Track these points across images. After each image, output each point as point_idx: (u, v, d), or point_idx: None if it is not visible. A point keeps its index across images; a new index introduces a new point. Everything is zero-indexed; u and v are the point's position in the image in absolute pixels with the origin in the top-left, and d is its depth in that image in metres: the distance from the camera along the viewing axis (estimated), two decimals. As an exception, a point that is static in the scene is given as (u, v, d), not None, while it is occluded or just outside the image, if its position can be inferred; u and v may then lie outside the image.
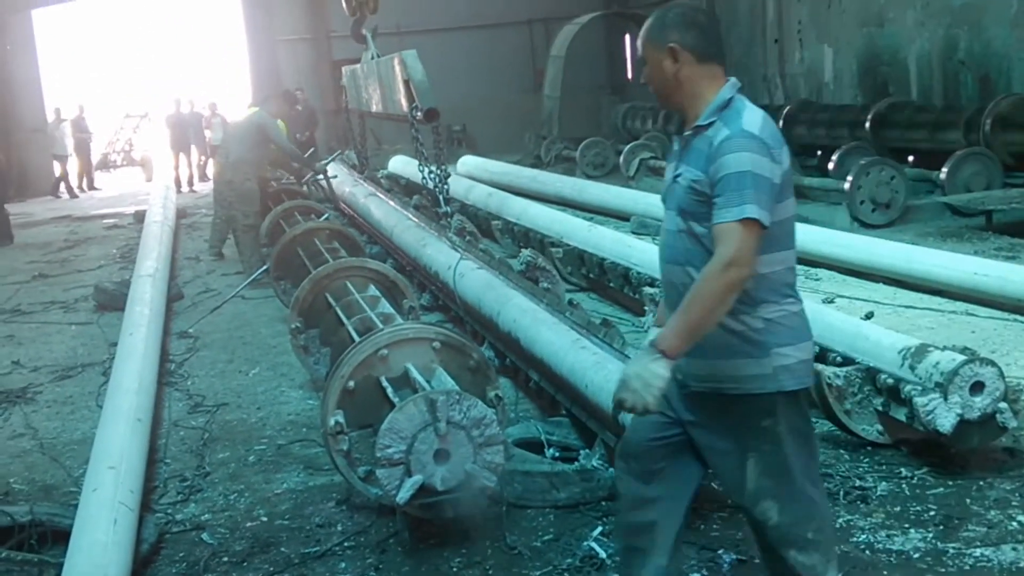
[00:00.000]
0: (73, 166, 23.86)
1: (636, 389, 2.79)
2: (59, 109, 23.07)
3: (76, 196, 21.77)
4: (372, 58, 11.59)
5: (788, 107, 16.94)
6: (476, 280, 7.00)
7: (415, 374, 4.55)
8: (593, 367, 4.88)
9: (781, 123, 16.44)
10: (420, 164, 8.74)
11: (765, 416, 2.96)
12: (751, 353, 2.93)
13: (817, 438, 3.28)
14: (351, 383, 4.62)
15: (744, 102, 2.94)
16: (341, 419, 4.53)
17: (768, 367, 2.93)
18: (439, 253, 8.03)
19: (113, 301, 9.71)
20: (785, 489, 2.99)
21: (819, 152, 15.84)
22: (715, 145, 2.85)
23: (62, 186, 22.43)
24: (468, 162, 18.14)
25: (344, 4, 12.92)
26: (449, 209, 8.44)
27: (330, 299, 6.50)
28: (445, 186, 8.35)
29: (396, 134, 18.35)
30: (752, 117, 2.90)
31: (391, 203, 10.88)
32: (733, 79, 2.99)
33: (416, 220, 9.52)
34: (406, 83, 9.10)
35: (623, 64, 26.64)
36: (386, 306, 6.15)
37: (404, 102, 9.27)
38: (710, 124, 2.91)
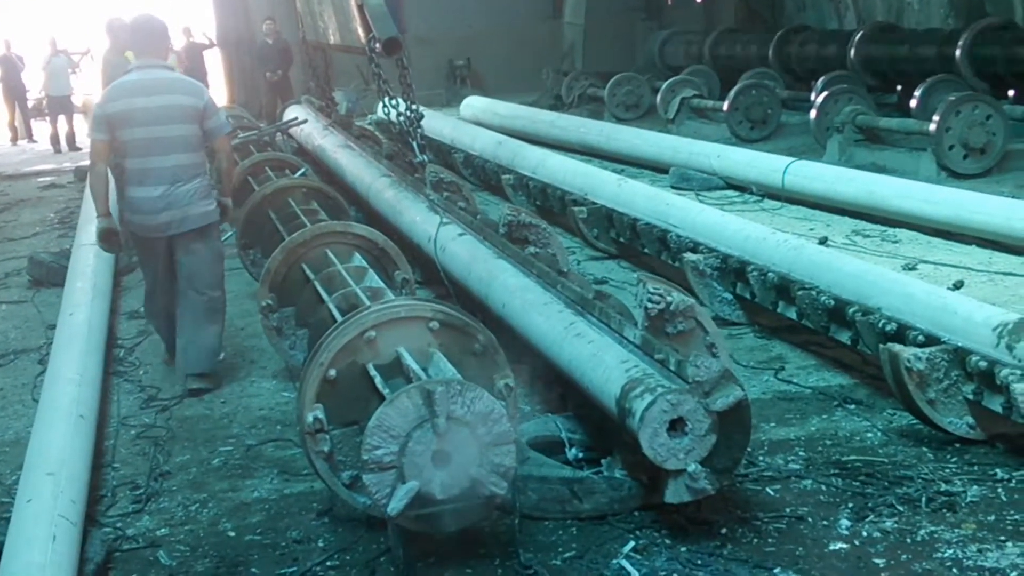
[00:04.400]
0: (3, 114, 24.00)
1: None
2: (55, 39, 22.91)
3: (60, 151, 21.72)
4: None
5: (861, 32, 16.81)
6: (460, 251, 7.03)
7: (409, 360, 4.56)
8: (590, 361, 4.89)
9: (852, 51, 16.37)
10: (384, 106, 8.75)
11: None
12: None
13: None
14: (332, 371, 4.63)
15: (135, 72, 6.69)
16: (321, 415, 4.54)
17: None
18: (418, 218, 8.03)
19: (50, 275, 9.75)
20: None
21: (899, 87, 15.75)
22: None
23: (57, 135, 22.20)
24: (473, 104, 18.12)
25: None
26: (425, 158, 8.43)
27: (307, 271, 6.51)
28: (419, 129, 8.35)
29: (386, 71, 18.32)
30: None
31: (364, 156, 10.88)
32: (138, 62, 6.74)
33: (390, 175, 9.51)
34: (360, 8, 9.08)
35: (661, -18, 26.50)
36: (375, 279, 6.15)
37: (361, 32, 9.25)
38: None
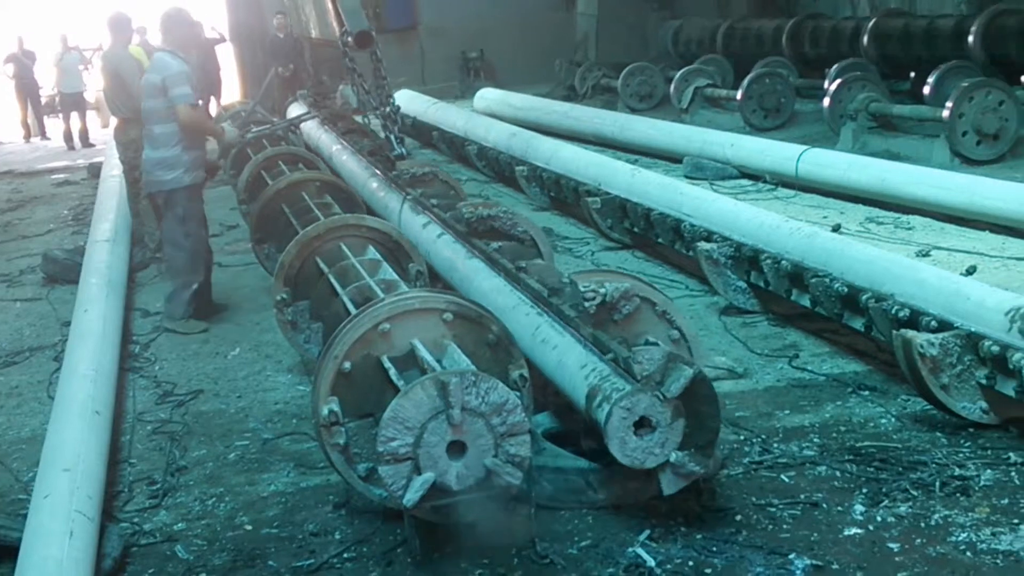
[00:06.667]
0: (16, 111, 24.07)
1: None
2: (66, 36, 22.88)
3: (73, 147, 21.72)
4: None
5: (873, 19, 16.75)
6: (442, 251, 6.97)
7: (423, 352, 4.58)
8: (557, 369, 4.85)
9: (865, 39, 16.32)
10: (358, 100, 8.84)
11: None
12: None
13: None
14: (347, 364, 4.65)
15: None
16: (336, 407, 4.56)
17: None
18: (404, 217, 7.98)
19: (64, 272, 9.80)
20: None
21: (912, 74, 15.69)
22: None
23: (74, 134, 22.12)
24: (487, 96, 18.15)
25: None
26: (403, 151, 8.44)
27: (321, 264, 6.54)
28: (396, 123, 8.38)
29: (400, 64, 18.35)
30: None
31: (355, 154, 10.84)
32: None
33: (376, 173, 9.43)
34: (334, 3, 9.14)
35: (673, -28, 26.42)
36: (388, 271, 6.17)
37: (335, 25, 9.32)
38: None
